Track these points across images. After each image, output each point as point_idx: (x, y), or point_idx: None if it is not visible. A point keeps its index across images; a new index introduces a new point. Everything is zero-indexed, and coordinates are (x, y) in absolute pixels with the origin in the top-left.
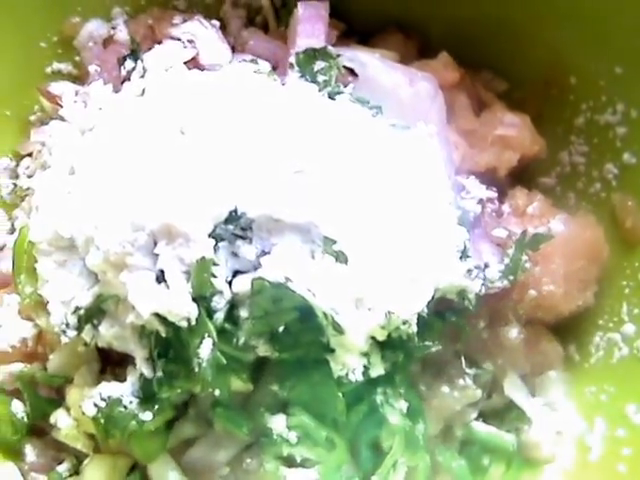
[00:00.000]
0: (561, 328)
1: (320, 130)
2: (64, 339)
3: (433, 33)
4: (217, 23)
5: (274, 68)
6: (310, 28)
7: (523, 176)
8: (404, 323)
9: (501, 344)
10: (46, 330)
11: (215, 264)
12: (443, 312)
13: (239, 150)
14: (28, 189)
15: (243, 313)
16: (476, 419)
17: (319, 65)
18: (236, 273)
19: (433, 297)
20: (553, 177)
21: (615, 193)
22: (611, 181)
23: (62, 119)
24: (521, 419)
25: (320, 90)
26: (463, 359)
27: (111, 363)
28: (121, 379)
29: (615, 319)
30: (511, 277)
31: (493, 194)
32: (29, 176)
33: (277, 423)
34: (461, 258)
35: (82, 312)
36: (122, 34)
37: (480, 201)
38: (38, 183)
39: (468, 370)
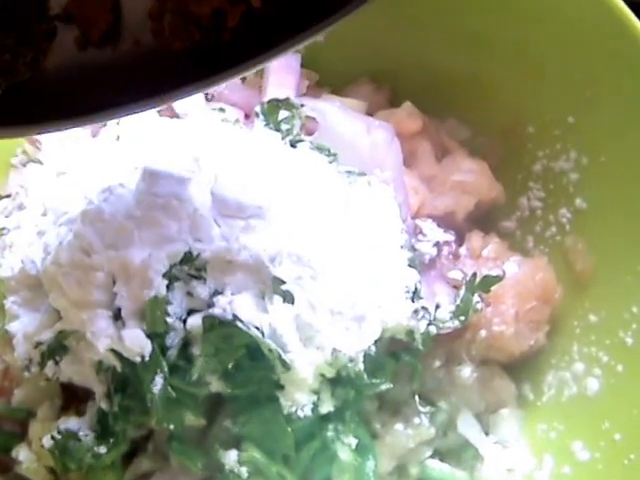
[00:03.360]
0: (516, 367)
1: (278, 176)
2: (27, 374)
3: (403, 83)
4: None
5: (247, 116)
6: (280, 79)
7: (486, 221)
8: (351, 361)
9: (455, 383)
10: (12, 365)
11: (169, 302)
12: (398, 352)
13: (200, 194)
14: (3, 229)
15: (196, 350)
16: (432, 457)
17: (283, 114)
18: (191, 312)
19: (382, 337)
20: (514, 221)
21: (568, 236)
22: (565, 225)
23: (39, 162)
24: (476, 457)
25: (283, 138)
26: (417, 398)
27: (76, 400)
28: (83, 415)
29: (566, 358)
30: (462, 318)
31: (450, 237)
32: (6, 216)
33: (229, 458)
34: (412, 299)
35: (45, 348)
36: None
37: (436, 244)
38: (12, 223)
39: (422, 409)
